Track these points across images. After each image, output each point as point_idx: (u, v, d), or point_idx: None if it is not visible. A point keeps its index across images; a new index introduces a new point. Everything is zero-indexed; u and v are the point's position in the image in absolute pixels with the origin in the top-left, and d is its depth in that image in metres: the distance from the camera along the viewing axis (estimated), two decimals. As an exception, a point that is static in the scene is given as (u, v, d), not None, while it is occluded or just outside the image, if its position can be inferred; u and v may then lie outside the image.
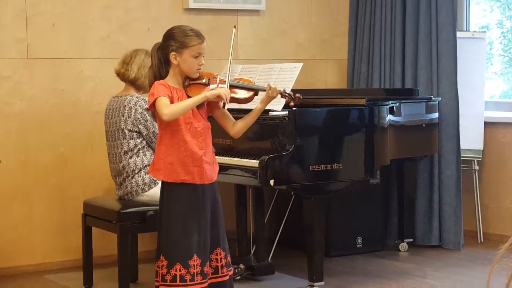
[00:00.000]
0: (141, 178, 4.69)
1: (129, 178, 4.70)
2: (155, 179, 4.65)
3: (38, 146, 5.48)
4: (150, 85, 3.69)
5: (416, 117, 5.64)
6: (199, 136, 3.68)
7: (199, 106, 3.69)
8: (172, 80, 3.69)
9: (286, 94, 3.83)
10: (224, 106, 3.69)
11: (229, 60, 3.82)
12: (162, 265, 3.69)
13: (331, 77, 6.69)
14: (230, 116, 3.84)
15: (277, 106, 4.56)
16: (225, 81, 3.75)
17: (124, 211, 4.56)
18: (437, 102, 5.81)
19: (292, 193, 5.07)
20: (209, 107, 3.76)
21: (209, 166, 3.71)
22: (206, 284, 3.72)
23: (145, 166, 4.70)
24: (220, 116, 3.82)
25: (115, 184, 4.86)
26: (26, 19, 5.43)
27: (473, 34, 6.19)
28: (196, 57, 3.67)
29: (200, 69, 3.71)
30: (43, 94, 5.50)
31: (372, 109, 4.91)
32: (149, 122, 4.69)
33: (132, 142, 4.71)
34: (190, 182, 3.67)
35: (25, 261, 5.44)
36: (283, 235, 5.40)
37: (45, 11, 5.48)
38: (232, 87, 3.78)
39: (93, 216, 4.85)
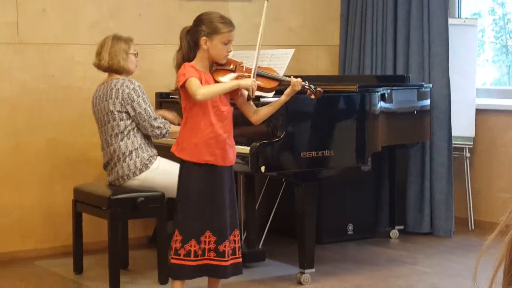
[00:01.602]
0: (133, 161, 4.67)
1: (120, 161, 4.69)
2: (146, 163, 4.66)
3: (28, 131, 5.45)
4: (178, 67, 3.83)
5: (408, 104, 5.63)
6: (224, 119, 3.83)
7: None
8: (199, 64, 3.82)
9: (307, 87, 3.94)
10: (249, 99, 3.82)
11: (258, 42, 3.92)
12: (176, 240, 3.81)
13: (322, 63, 6.67)
14: (252, 104, 3.97)
15: (268, 94, 4.54)
16: (251, 69, 3.90)
17: (114, 197, 4.54)
18: (429, 89, 5.80)
19: (283, 180, 5.06)
20: (232, 93, 3.88)
21: (231, 149, 3.87)
22: (224, 263, 3.85)
23: (136, 148, 4.69)
24: (243, 103, 3.95)
25: (105, 169, 4.84)
26: (17, 4, 5.38)
27: (464, 21, 6.18)
28: (226, 43, 3.82)
29: (228, 55, 3.87)
30: (34, 79, 5.47)
31: (364, 95, 4.90)
32: (135, 102, 4.68)
33: (122, 124, 4.70)
34: (213, 163, 3.80)
35: (15, 248, 5.41)
36: (274, 222, 5.39)
37: (35, -4, 5.44)
38: (258, 75, 3.88)
39: (83, 202, 4.83)
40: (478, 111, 6.10)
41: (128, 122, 4.72)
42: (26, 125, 5.45)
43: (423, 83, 5.84)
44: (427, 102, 5.77)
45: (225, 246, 3.84)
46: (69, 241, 5.04)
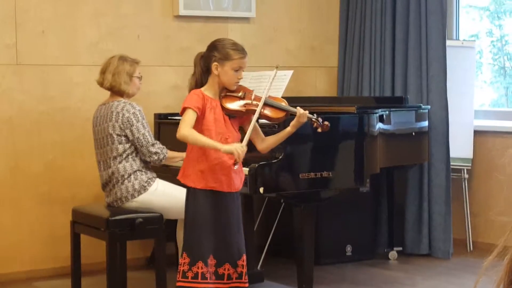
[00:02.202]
0: (131, 184, 4.67)
1: (119, 183, 4.69)
2: (144, 185, 4.66)
3: (27, 152, 5.46)
4: (190, 92, 3.87)
5: (406, 125, 5.64)
6: None
7: (231, 117, 3.85)
8: (209, 89, 3.84)
9: (314, 120, 3.92)
10: (234, 164, 3.75)
11: (265, 92, 3.88)
12: (184, 263, 3.82)
13: (321, 84, 6.69)
14: (261, 132, 3.99)
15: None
16: (260, 98, 3.89)
17: (113, 218, 4.54)
18: (427, 110, 5.81)
19: (282, 201, 5.06)
20: (241, 120, 3.90)
21: (236, 175, 3.87)
22: (222, 285, 3.86)
23: (135, 171, 4.69)
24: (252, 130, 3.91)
25: (104, 192, 4.84)
26: (16, 25, 5.41)
27: (462, 43, 6.21)
28: (237, 70, 3.83)
29: (238, 82, 3.87)
30: (33, 101, 5.48)
31: (362, 117, 4.91)
32: (134, 127, 4.68)
33: (120, 147, 4.70)
34: (218, 189, 3.81)
35: (14, 268, 5.41)
36: (273, 243, 5.38)
37: (35, 17, 5.47)
38: (266, 105, 3.86)
39: (81, 223, 4.83)
40: (476, 133, 6.11)
41: (127, 145, 4.72)
42: (25, 147, 5.46)
43: (421, 104, 5.86)
44: (425, 123, 5.78)
45: (224, 269, 3.85)
46: (68, 262, 5.02)
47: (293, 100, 5.35)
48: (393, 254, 5.94)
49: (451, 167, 5.99)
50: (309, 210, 4.66)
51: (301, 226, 4.64)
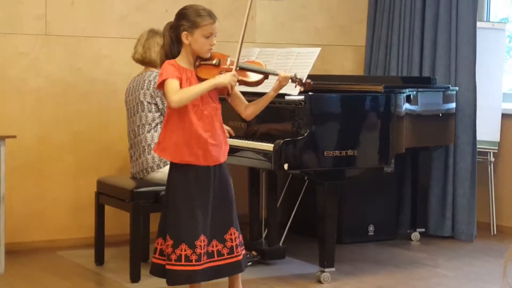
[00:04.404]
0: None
1: (145, 153, 4.72)
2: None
3: (53, 123, 5.50)
4: (161, 64, 3.70)
5: (433, 107, 5.60)
6: (206, 118, 3.68)
7: None
8: (183, 60, 3.69)
9: (297, 79, 3.82)
10: (228, 95, 3.66)
11: (240, 40, 3.78)
12: (168, 245, 3.69)
13: (348, 63, 6.67)
14: (243, 99, 3.85)
15: (293, 91, 4.53)
16: (235, 63, 3.73)
17: (137, 190, 4.56)
18: (455, 92, 5.77)
19: (306, 178, 5.05)
20: (220, 89, 3.72)
21: (215, 148, 3.70)
22: (214, 264, 3.73)
23: (162, 142, 4.72)
24: (233, 98, 3.82)
25: (130, 161, 4.87)
26: (45, -4, 5.44)
27: (493, 25, 6.15)
28: (208, 37, 3.67)
29: (211, 49, 3.71)
30: (60, 72, 5.51)
31: (389, 96, 4.89)
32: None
33: (150, 116, 4.74)
34: (194, 163, 3.67)
35: (38, 237, 5.46)
36: (295, 220, 5.39)
37: (65, -12, 5.49)
38: (242, 69, 3.76)
39: (106, 194, 4.86)
40: (504, 116, 6.07)
41: (157, 114, 4.76)
42: (51, 117, 5.49)
43: (449, 85, 5.81)
44: (453, 105, 5.75)
45: (213, 246, 3.73)
46: (91, 232, 5.07)
47: (319, 78, 5.35)
48: (415, 235, 5.93)
49: (477, 150, 5.96)
50: (333, 188, 4.66)
51: (324, 204, 4.64)
